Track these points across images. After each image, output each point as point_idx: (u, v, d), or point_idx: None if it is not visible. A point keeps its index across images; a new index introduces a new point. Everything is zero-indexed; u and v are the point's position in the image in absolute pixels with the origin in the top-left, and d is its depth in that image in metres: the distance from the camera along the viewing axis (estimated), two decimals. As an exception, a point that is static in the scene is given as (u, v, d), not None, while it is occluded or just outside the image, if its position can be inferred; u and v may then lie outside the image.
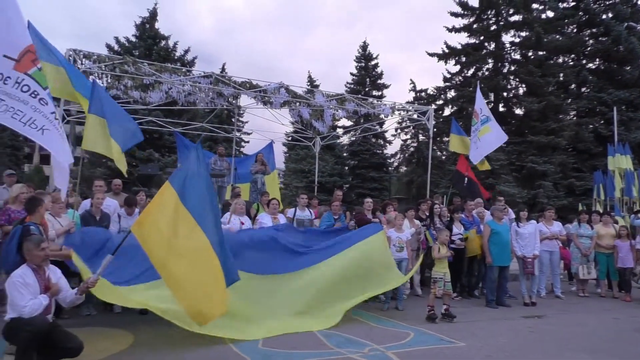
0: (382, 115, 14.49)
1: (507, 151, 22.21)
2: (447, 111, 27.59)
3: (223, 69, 31.50)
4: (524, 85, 25.41)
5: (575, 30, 24.82)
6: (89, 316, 6.37)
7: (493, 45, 26.34)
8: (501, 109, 26.10)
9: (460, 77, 27.39)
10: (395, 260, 7.31)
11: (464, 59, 26.71)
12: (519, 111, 25.78)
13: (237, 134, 20.59)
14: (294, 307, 6.23)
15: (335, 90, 12.66)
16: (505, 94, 26.53)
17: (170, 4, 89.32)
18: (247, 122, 28.21)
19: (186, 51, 24.55)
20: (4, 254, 4.94)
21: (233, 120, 19.45)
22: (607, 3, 24.36)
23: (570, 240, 9.78)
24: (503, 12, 25.92)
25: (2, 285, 4.80)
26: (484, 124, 11.61)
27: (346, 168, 28.76)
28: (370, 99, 14.77)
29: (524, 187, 21.83)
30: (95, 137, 7.06)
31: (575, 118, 24.23)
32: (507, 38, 26.15)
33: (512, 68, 26.21)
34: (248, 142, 31.35)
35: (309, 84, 30.92)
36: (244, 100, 12.21)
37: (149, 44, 22.55)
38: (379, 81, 30.70)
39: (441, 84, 27.81)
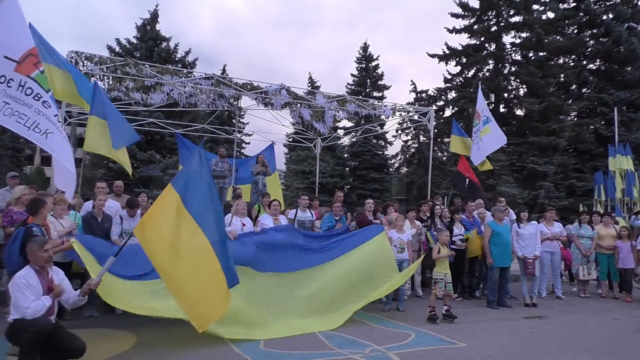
0: (382, 116, 14.55)
1: (507, 152, 22.21)
2: (448, 112, 27.70)
3: (224, 70, 31.60)
4: (524, 86, 25.43)
5: (575, 31, 24.79)
6: (92, 317, 6.38)
7: (494, 46, 26.37)
8: (502, 110, 26.13)
9: (460, 78, 27.45)
10: (396, 261, 7.30)
11: (464, 60, 26.77)
12: (519, 112, 25.84)
13: (238, 135, 20.67)
14: (297, 309, 6.24)
15: (336, 92, 12.77)
16: (505, 94, 26.56)
17: (171, 6, 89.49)
18: (248, 123, 28.40)
19: (187, 53, 24.64)
20: (7, 255, 4.97)
21: (234, 121, 19.54)
22: (608, 4, 24.34)
23: (571, 240, 9.78)
24: (503, 13, 25.96)
25: (5, 286, 4.81)
26: (485, 125, 11.65)
27: (347, 169, 28.80)
28: (371, 100, 14.81)
29: (525, 187, 21.83)
30: (96, 138, 7.10)
31: (576, 119, 24.18)
32: (507, 39, 26.29)
33: (513, 69, 26.26)
34: (249, 143, 31.45)
35: (309, 85, 30.97)
36: (245, 101, 12.29)
37: (150, 45, 22.61)
38: (379, 82, 30.77)
39: (442, 85, 27.94)
